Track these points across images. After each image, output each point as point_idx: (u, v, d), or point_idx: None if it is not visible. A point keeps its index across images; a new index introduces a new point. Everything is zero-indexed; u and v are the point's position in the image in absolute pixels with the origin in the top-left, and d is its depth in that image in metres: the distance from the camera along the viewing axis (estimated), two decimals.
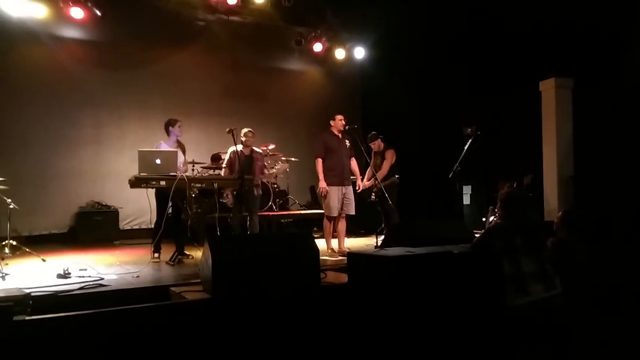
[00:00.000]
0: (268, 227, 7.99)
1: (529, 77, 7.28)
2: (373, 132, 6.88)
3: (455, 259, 3.69)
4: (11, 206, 5.63)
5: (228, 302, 3.37)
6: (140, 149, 5.23)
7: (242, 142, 6.06)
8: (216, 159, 7.98)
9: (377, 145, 6.85)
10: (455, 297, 3.59)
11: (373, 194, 6.13)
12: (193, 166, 7.35)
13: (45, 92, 7.84)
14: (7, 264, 4.89)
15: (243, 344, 3.27)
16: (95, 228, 7.73)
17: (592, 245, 3.79)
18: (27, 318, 2.92)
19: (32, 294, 3.42)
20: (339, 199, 5.83)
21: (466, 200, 8.02)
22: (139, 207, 7.66)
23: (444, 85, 8.28)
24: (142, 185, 5.04)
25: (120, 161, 7.94)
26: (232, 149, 6.06)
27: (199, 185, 5.45)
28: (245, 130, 6.15)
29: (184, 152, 5.95)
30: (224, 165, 6.32)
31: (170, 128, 5.81)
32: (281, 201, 8.35)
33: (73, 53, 8.07)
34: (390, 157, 6.70)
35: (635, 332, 3.64)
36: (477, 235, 3.98)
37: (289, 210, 8.54)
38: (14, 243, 5.57)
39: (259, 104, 9.50)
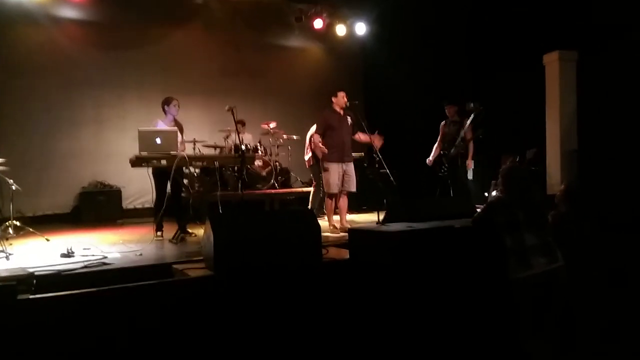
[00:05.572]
0: (271, 204, 8.01)
1: (532, 50, 7.17)
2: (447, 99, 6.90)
3: (457, 233, 3.70)
4: (13, 187, 5.65)
5: (230, 279, 3.39)
6: (140, 128, 5.21)
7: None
8: None
9: (452, 111, 6.84)
10: (457, 271, 3.60)
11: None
12: (194, 145, 7.32)
13: (45, 73, 7.78)
14: (11, 244, 4.92)
15: (245, 321, 3.30)
16: (98, 207, 7.74)
17: (592, 219, 3.78)
18: (31, 297, 2.95)
19: (36, 273, 3.45)
20: (339, 175, 5.81)
21: (470, 175, 7.99)
22: (142, 186, 7.62)
23: (446, 60, 8.18)
24: (143, 164, 5.05)
25: (121, 141, 7.92)
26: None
27: (200, 163, 5.43)
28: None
29: (181, 131, 5.90)
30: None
31: (166, 107, 5.77)
32: (283, 178, 8.34)
33: (71, 34, 7.99)
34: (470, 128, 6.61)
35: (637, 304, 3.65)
36: (478, 210, 3.97)
37: (291, 187, 8.54)
38: (18, 224, 5.61)
39: (260, 81, 9.43)
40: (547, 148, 7.20)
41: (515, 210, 3.41)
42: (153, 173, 5.46)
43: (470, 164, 6.64)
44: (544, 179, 7.08)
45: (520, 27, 7.16)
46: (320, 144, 5.79)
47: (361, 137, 6.11)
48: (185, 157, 5.10)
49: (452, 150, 6.65)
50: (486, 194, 6.98)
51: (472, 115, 6.49)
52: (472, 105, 6.47)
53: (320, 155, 5.86)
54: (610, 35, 6.40)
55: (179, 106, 5.82)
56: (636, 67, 6.15)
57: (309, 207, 7.00)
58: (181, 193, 5.81)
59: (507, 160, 6.64)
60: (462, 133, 6.54)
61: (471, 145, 6.65)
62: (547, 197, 5.51)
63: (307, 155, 7.06)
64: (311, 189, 7.25)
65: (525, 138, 7.11)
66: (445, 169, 6.66)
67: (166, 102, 5.78)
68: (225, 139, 7.97)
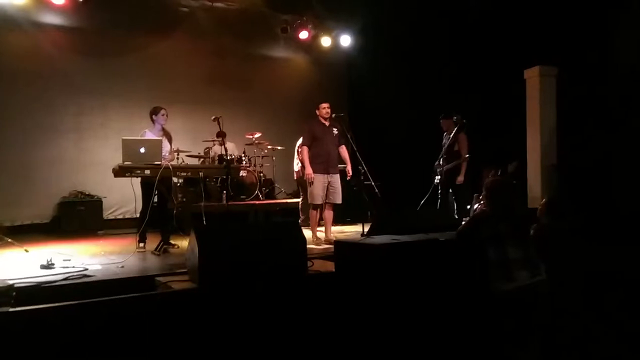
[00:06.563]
0: (255, 215, 7.98)
1: (514, 65, 7.31)
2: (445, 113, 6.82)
3: (441, 246, 3.72)
4: None
5: (215, 291, 3.36)
6: (124, 138, 5.16)
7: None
8: None
9: (446, 125, 6.78)
10: (441, 284, 3.62)
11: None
12: (178, 154, 7.26)
13: (26, 79, 7.68)
14: None
15: (230, 333, 3.27)
16: (78, 218, 7.63)
17: (574, 232, 3.84)
18: (11, 310, 2.88)
19: (16, 285, 3.37)
20: (323, 187, 5.81)
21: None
22: (123, 197, 7.58)
23: (430, 73, 8.28)
24: (127, 175, 4.98)
25: (103, 150, 7.84)
26: None
27: (184, 174, 5.40)
28: None
29: (170, 140, 5.87)
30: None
31: (154, 116, 5.73)
32: (267, 190, 8.32)
33: (54, 40, 7.90)
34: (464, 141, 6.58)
35: (617, 317, 3.71)
36: (462, 223, 4.01)
37: (275, 198, 8.52)
38: None
39: (245, 92, 9.43)
40: (527, 162, 7.31)
41: (499, 223, 3.44)
42: (141, 183, 5.41)
43: (460, 180, 6.62)
44: (524, 192, 7.18)
45: (502, 42, 7.29)
46: (308, 167, 5.78)
47: (342, 153, 6.12)
48: (169, 167, 5.06)
49: (442, 163, 6.69)
50: (468, 207, 7.05)
51: (455, 128, 6.56)
52: (454, 118, 6.54)
53: (308, 179, 5.84)
54: (589, 51, 6.55)
55: (167, 115, 5.78)
56: (614, 82, 6.32)
57: (301, 219, 7.00)
58: (166, 204, 5.76)
59: (488, 174, 6.72)
60: (455, 146, 6.58)
61: (464, 163, 6.59)
62: (529, 211, 5.60)
63: (297, 166, 7.02)
64: (297, 200, 7.25)
65: (506, 151, 7.20)
66: (438, 179, 6.72)
67: (154, 111, 5.73)
68: (206, 151, 7.89)
